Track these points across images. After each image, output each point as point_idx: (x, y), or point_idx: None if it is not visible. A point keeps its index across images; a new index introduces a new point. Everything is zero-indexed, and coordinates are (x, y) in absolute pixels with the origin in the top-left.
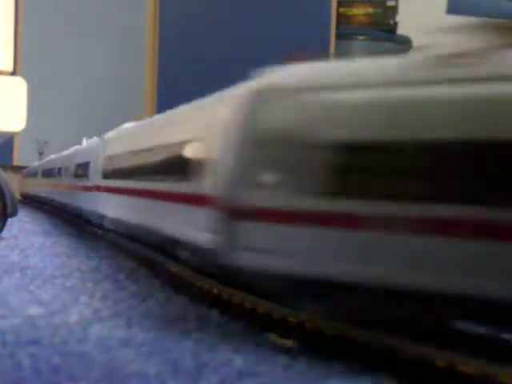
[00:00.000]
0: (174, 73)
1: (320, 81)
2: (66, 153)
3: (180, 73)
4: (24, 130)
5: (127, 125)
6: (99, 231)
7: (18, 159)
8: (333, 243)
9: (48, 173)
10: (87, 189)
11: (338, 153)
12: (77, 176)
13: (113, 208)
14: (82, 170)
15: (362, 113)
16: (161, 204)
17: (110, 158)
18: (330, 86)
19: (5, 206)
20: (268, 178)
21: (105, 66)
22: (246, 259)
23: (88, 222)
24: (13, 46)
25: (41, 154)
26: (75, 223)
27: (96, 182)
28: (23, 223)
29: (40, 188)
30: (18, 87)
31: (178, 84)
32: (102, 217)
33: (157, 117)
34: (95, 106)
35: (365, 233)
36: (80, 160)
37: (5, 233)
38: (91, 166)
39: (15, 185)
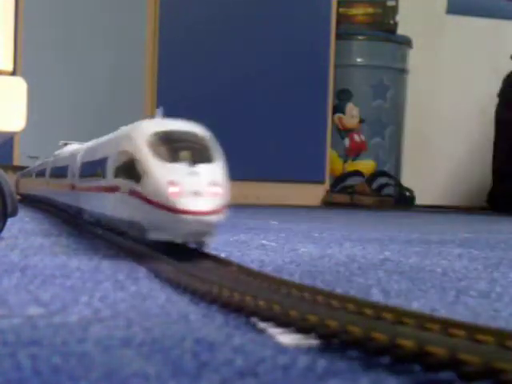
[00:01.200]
0: (174, 80)
1: None
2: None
3: (180, 76)
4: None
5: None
6: (99, 231)
7: (18, 159)
8: None
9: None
10: None
11: None
12: None
13: None
14: None
15: None
16: None
17: None
18: None
19: (5, 206)
20: None
21: (104, 66)
22: None
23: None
24: (13, 46)
25: None
26: (74, 223)
27: None
28: (23, 223)
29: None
30: (18, 87)
31: (178, 89)
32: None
33: None
34: (94, 107)
35: None
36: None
37: (5, 233)
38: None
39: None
